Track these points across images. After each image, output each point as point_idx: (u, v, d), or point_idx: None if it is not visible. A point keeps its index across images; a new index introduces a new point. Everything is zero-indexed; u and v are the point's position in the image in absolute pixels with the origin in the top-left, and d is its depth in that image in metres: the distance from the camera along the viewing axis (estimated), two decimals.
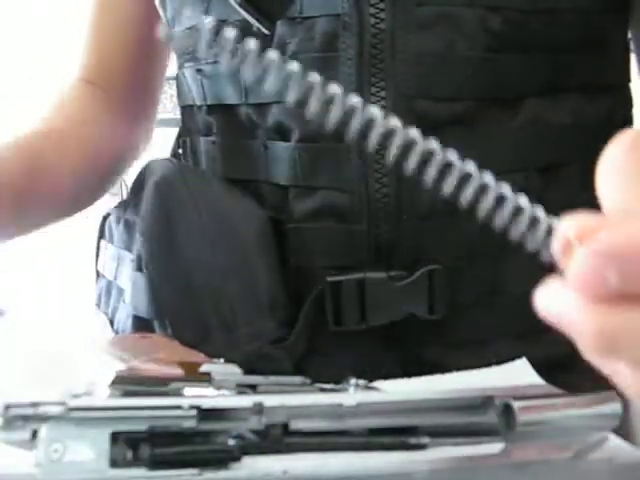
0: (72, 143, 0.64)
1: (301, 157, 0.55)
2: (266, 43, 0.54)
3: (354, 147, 0.53)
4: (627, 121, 0.61)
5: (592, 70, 0.56)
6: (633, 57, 0.60)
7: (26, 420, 0.34)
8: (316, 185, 0.55)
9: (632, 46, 0.60)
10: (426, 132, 0.52)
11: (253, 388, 0.39)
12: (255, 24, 0.54)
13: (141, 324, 0.55)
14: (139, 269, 0.54)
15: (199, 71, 0.60)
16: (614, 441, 0.41)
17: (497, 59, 0.53)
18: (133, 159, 0.74)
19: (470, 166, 0.25)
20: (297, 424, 0.37)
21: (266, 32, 0.54)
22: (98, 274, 0.66)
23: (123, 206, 0.62)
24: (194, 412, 0.36)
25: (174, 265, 0.53)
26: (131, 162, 0.74)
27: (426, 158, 0.25)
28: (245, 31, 0.55)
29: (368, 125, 0.24)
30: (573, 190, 0.55)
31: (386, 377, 0.50)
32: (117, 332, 0.59)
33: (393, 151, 0.24)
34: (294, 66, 0.24)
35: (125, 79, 0.72)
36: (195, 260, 0.53)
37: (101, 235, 0.67)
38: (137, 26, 0.70)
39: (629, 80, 0.60)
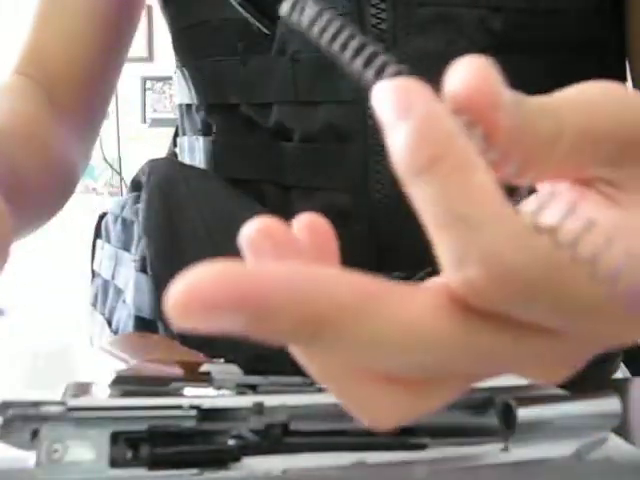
0: (37, 143, 0.53)
1: (302, 157, 0.55)
2: (267, 42, 0.54)
3: (355, 147, 0.53)
4: None
5: (591, 70, 0.56)
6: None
7: (26, 420, 0.34)
8: (317, 186, 0.55)
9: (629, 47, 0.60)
10: None
11: (253, 388, 0.39)
12: (256, 24, 0.54)
13: (143, 324, 0.55)
14: (142, 269, 0.54)
15: (199, 69, 0.60)
16: (614, 441, 0.41)
17: (497, 59, 0.52)
18: (76, 179, 0.61)
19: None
20: (297, 424, 0.37)
21: (267, 32, 0.54)
22: (94, 273, 0.66)
23: (121, 205, 0.62)
24: (194, 412, 0.36)
25: (178, 265, 0.53)
26: (75, 181, 0.61)
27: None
28: (246, 30, 0.55)
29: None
30: None
31: None
32: (115, 332, 0.59)
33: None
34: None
35: (67, 75, 0.61)
36: (198, 260, 0.53)
37: (97, 234, 0.66)
38: (88, 18, 0.61)
39: (626, 80, 0.60)
